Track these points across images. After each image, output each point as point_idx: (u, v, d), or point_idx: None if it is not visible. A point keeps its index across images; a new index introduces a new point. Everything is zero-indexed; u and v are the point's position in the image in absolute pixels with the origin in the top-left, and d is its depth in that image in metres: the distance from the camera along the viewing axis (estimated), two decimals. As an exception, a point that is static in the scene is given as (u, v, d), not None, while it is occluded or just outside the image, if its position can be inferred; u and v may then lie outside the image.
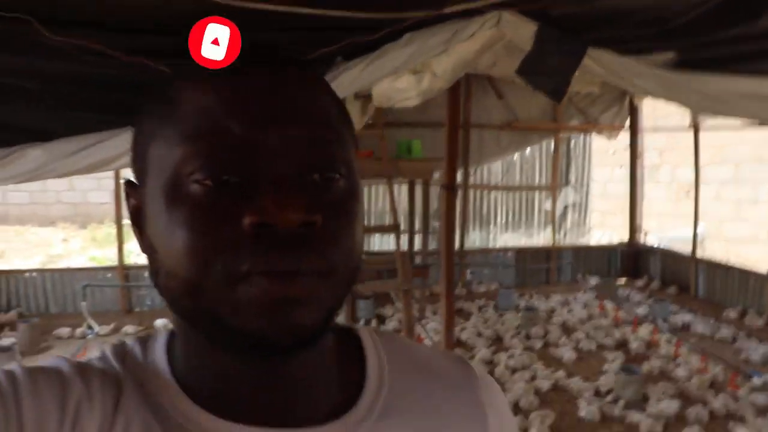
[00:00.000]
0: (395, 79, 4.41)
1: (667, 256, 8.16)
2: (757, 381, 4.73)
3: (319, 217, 0.47)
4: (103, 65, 2.07)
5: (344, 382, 0.58)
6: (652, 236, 9.09)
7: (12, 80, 2.13)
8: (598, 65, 2.48)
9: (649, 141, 9.45)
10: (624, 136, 8.39)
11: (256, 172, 0.47)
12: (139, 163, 0.54)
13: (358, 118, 6.07)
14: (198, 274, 0.47)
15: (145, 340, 0.59)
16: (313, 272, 0.47)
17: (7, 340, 6.03)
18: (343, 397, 0.57)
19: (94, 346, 5.99)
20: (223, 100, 0.49)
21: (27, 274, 6.88)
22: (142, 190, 0.53)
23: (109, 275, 7.00)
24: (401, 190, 8.11)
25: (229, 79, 0.50)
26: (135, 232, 0.55)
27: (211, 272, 0.46)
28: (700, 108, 4.14)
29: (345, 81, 2.37)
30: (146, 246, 0.53)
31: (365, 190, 8.23)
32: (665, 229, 9.59)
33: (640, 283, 8.24)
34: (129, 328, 6.54)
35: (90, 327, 6.25)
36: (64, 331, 6.43)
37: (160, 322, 6.44)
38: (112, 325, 6.53)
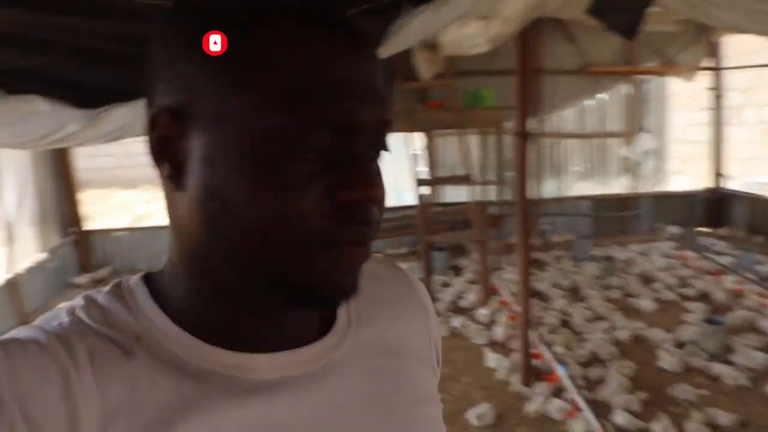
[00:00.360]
0: (463, 26, 4.31)
1: (753, 202, 7.75)
2: None
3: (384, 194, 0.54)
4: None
5: None
6: (736, 182, 8.66)
7: (95, 43, 2.21)
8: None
9: (732, 81, 8.92)
10: (704, 77, 7.95)
11: (351, 147, 0.50)
12: (188, 94, 0.50)
13: (426, 68, 5.99)
14: (288, 238, 0.49)
15: (118, 294, 0.56)
16: (371, 240, 0.54)
17: (102, 296, 6.43)
18: (326, 314, 0.63)
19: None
20: (325, 64, 0.48)
21: (116, 233, 7.26)
22: (195, 126, 0.50)
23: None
24: (473, 141, 8.02)
25: (322, 40, 0.49)
26: (159, 162, 0.52)
27: (304, 238, 0.49)
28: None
29: (413, 28, 2.34)
30: (195, 189, 0.50)
31: (439, 141, 8.18)
32: (750, 174, 9.11)
33: (723, 232, 7.90)
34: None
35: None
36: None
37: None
38: (196, 279, 6.84)
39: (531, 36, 3.98)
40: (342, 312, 0.63)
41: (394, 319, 0.68)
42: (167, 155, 0.51)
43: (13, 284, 5.39)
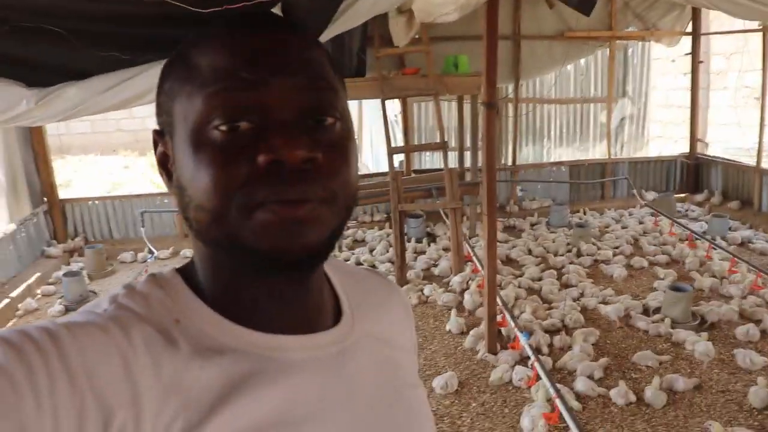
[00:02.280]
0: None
1: (730, 168, 7.78)
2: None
3: (319, 153, 0.56)
4: (132, 2, 2.08)
5: (330, 295, 0.72)
6: (715, 147, 8.68)
7: (47, 21, 2.15)
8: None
9: (714, 45, 8.87)
10: (686, 42, 7.90)
11: (264, 119, 0.55)
12: (164, 116, 0.62)
13: (403, 34, 5.91)
14: (222, 205, 0.55)
15: (156, 283, 0.62)
16: (316, 199, 0.56)
17: (76, 265, 6.41)
18: (332, 306, 0.71)
19: (154, 269, 6.30)
20: (234, 56, 0.57)
21: (90, 202, 7.20)
22: (169, 139, 0.61)
23: (166, 200, 7.23)
24: (450, 107, 7.97)
25: (237, 40, 0.58)
26: (162, 174, 0.64)
27: (233, 203, 0.55)
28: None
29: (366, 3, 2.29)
30: (175, 186, 0.60)
31: (414, 107, 8.13)
32: (730, 140, 9.13)
33: (699, 197, 7.95)
34: (187, 252, 6.81)
35: (150, 251, 6.54)
36: (127, 255, 6.77)
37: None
38: (170, 249, 6.83)
39: (505, 2, 3.91)
40: (345, 306, 0.71)
41: (383, 316, 0.76)
42: (165, 167, 0.62)
43: (-19, 256, 5.36)
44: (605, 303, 4.81)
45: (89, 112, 2.56)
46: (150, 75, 2.39)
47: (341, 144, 0.59)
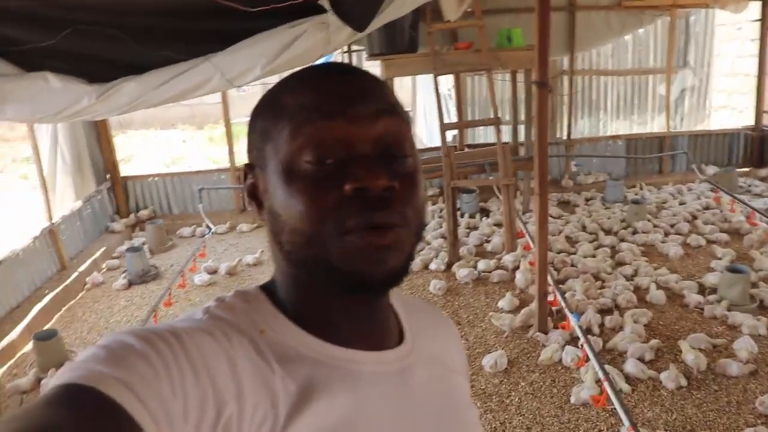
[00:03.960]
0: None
1: (799, 140, 7.45)
2: None
3: (397, 183, 0.62)
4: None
5: (394, 315, 0.78)
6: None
7: (105, 21, 2.25)
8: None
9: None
10: (754, 7, 7.53)
11: (348, 152, 0.62)
12: (255, 152, 0.69)
13: (454, 8, 5.83)
14: (315, 228, 0.62)
15: (243, 297, 0.69)
16: (396, 225, 0.62)
17: (138, 240, 6.68)
18: (395, 327, 0.77)
19: (212, 243, 6.50)
20: (316, 93, 0.64)
21: (150, 179, 7.46)
22: (260, 172, 0.68)
23: (223, 177, 7.43)
24: (504, 81, 7.85)
25: (320, 80, 0.66)
26: (252, 204, 0.70)
27: (325, 227, 0.61)
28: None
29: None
30: (267, 212, 0.67)
31: (468, 81, 8.04)
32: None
33: (763, 172, 7.64)
34: (243, 227, 7.01)
35: (208, 227, 6.75)
36: (186, 230, 7.01)
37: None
38: (227, 224, 7.03)
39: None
40: (406, 327, 0.77)
41: (437, 340, 0.82)
42: (254, 197, 0.70)
43: (52, 233, 5.64)
44: (657, 284, 4.72)
45: (146, 105, 2.66)
46: (200, 70, 2.47)
47: (413, 176, 0.66)
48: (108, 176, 7.13)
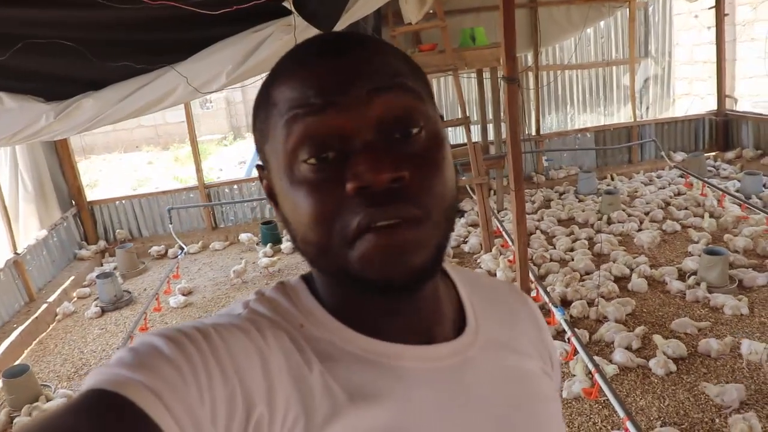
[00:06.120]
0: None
1: (761, 123, 7.56)
2: None
3: (405, 172, 0.55)
4: (137, 9, 2.06)
5: (453, 305, 0.71)
6: (745, 102, 8.44)
7: (59, 34, 2.15)
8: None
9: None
10: (709, -5, 7.66)
11: (346, 144, 0.55)
12: (261, 154, 0.64)
13: (415, 11, 5.81)
14: (323, 238, 0.56)
15: (283, 290, 0.66)
16: (411, 219, 0.55)
17: (108, 266, 6.51)
18: (456, 316, 0.70)
19: (185, 264, 6.36)
20: (303, 85, 0.57)
21: (117, 202, 7.28)
22: (269, 174, 0.63)
23: (192, 195, 7.28)
24: (470, 81, 7.86)
25: (306, 69, 0.58)
26: (272, 204, 0.65)
27: (332, 236, 0.56)
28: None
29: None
30: (281, 217, 0.63)
31: (433, 83, 8.02)
32: (761, 93, 8.86)
33: (730, 155, 7.75)
34: (216, 245, 6.88)
35: (180, 248, 6.59)
36: (157, 250, 6.85)
37: (244, 237, 6.71)
38: (200, 243, 6.89)
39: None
40: (470, 314, 0.70)
41: (512, 325, 0.75)
42: (272, 197, 0.64)
43: (17, 264, 5.45)
44: (634, 271, 4.72)
45: (108, 122, 2.57)
46: (164, 80, 2.38)
47: (430, 155, 0.58)
48: (73, 202, 6.95)
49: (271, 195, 0.65)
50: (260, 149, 0.64)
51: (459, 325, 0.69)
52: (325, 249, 0.57)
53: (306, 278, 0.68)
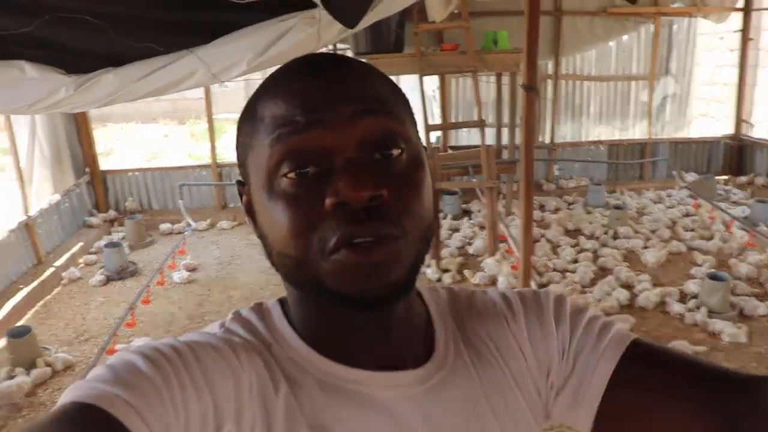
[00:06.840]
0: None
1: (776, 150, 7.54)
2: None
3: (384, 190, 0.56)
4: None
5: (424, 328, 0.70)
6: (761, 128, 8.39)
7: (85, 8, 2.18)
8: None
9: (765, 21, 8.53)
10: (735, 18, 7.61)
11: (328, 160, 0.57)
12: (242, 168, 0.65)
13: (441, 9, 5.81)
14: (300, 251, 0.57)
15: (258, 310, 0.68)
16: (388, 237, 0.56)
17: (117, 236, 6.57)
18: (426, 341, 0.69)
19: (192, 240, 6.41)
20: (289, 102, 0.58)
21: (130, 174, 7.34)
22: (249, 189, 0.64)
23: (204, 173, 7.34)
24: (489, 83, 7.85)
25: (293, 86, 0.60)
26: (249, 221, 0.66)
27: (309, 249, 0.57)
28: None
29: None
30: (259, 233, 0.64)
31: (452, 83, 8.03)
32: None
33: (742, 180, 7.73)
34: (224, 224, 6.93)
35: (188, 224, 6.65)
36: (166, 226, 6.91)
37: (252, 219, 6.75)
38: (208, 221, 6.95)
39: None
40: (440, 336, 0.70)
41: (487, 343, 0.72)
42: (251, 214, 0.65)
43: (28, 227, 5.52)
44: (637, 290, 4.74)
45: (126, 99, 2.58)
46: (183, 63, 2.40)
47: (409, 176, 0.59)
48: (87, 170, 7.01)
49: (250, 211, 0.65)
50: (242, 164, 0.65)
51: (431, 348, 0.69)
52: (301, 262, 0.58)
53: (282, 301, 0.69)
